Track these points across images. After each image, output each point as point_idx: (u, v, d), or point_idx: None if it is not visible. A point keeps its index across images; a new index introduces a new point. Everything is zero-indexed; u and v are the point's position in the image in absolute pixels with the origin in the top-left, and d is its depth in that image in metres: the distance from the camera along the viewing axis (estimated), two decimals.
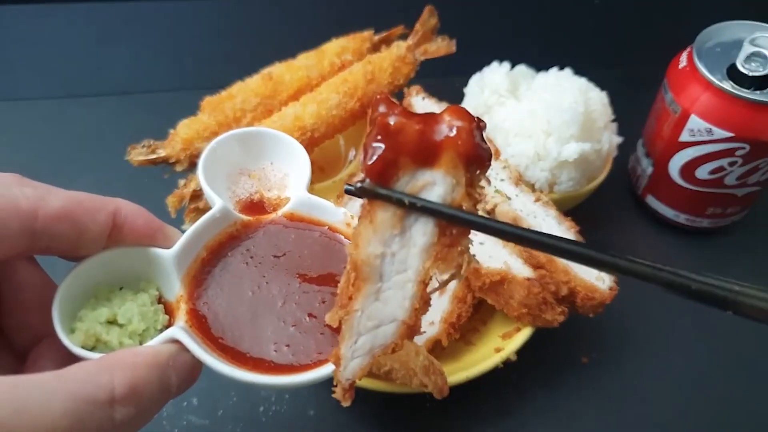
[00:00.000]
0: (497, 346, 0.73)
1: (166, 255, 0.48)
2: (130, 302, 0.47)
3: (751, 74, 0.79)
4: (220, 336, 0.47)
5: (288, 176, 0.58)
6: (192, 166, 0.86)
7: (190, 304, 0.48)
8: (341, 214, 0.53)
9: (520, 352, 0.72)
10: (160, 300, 0.49)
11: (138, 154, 0.84)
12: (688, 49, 0.85)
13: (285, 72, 0.92)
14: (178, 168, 0.86)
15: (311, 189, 0.93)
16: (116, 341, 0.45)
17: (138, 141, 0.85)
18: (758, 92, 0.78)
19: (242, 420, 0.76)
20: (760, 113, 0.78)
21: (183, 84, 1.17)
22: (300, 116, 0.86)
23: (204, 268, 0.50)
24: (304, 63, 0.94)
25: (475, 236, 0.73)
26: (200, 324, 0.47)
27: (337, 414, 0.77)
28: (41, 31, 1.27)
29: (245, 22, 1.33)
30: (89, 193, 0.46)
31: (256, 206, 0.56)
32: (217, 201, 0.52)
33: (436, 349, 0.74)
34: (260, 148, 0.58)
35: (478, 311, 0.79)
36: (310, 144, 0.87)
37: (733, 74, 0.80)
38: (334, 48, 0.96)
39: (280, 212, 0.55)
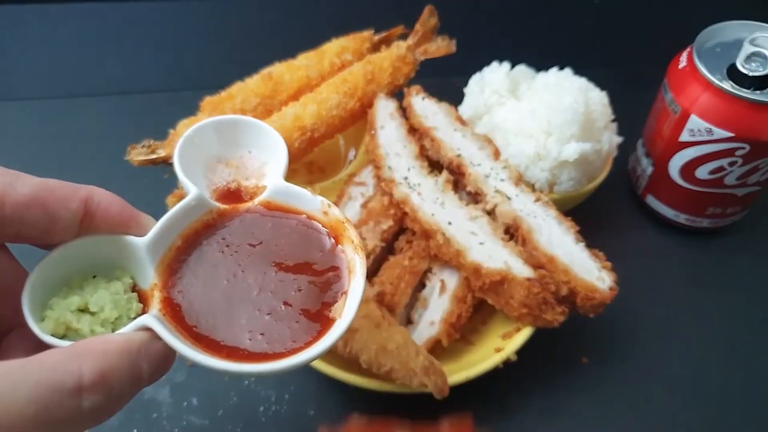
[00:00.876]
0: (497, 346, 0.73)
1: (140, 243, 0.48)
2: (102, 290, 0.46)
3: (751, 74, 0.79)
4: (195, 324, 0.46)
5: (266, 165, 0.57)
6: None
7: (165, 293, 0.47)
8: (318, 202, 0.53)
9: (521, 352, 0.72)
10: (134, 288, 0.48)
11: (138, 154, 0.84)
12: (688, 49, 0.85)
13: (285, 72, 0.92)
14: None
15: (312, 188, 0.94)
16: (87, 329, 0.45)
17: (138, 141, 0.85)
18: (758, 92, 0.78)
19: (242, 420, 0.76)
20: (760, 113, 0.78)
21: (183, 84, 1.17)
22: (300, 116, 0.86)
23: (179, 256, 0.49)
24: (304, 63, 0.94)
25: (475, 236, 0.74)
26: (174, 312, 0.46)
27: (336, 414, 0.77)
28: (41, 31, 1.27)
29: (245, 22, 1.33)
30: (60, 180, 0.45)
31: (233, 195, 0.55)
32: (192, 189, 0.51)
33: (436, 349, 0.74)
34: (238, 136, 0.57)
35: (478, 311, 0.80)
36: (310, 144, 0.87)
37: (733, 74, 0.80)
38: (334, 48, 0.96)
39: (256, 201, 0.54)
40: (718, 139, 0.81)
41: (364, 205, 0.84)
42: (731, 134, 0.79)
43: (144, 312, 0.46)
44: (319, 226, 0.53)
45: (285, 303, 0.48)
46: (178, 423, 0.75)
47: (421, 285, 0.79)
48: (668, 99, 0.86)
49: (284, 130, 0.84)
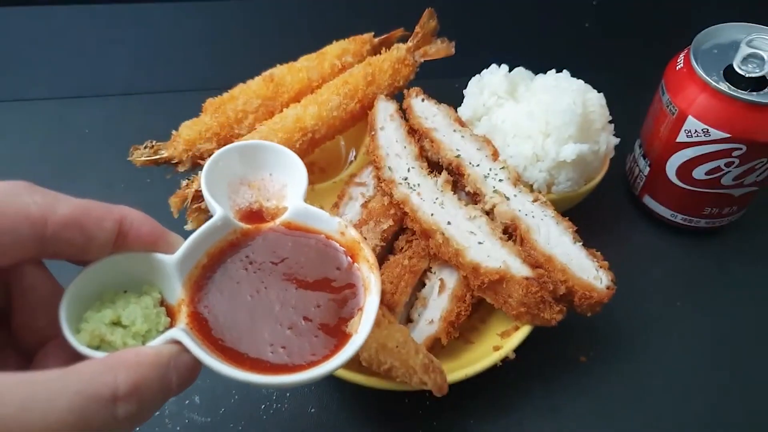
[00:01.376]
0: (496, 345, 0.73)
1: (169, 260, 0.50)
2: (133, 305, 0.49)
3: (747, 75, 0.79)
4: (220, 338, 0.49)
5: (286, 187, 0.61)
6: (194, 166, 0.87)
7: (192, 308, 0.50)
8: (336, 223, 0.56)
9: (519, 350, 0.72)
10: (162, 303, 0.51)
11: (140, 155, 0.85)
12: (686, 51, 0.86)
13: (286, 74, 0.93)
14: (181, 169, 0.87)
15: (312, 189, 0.95)
16: (120, 341, 0.47)
17: (140, 142, 0.86)
18: (755, 93, 0.79)
19: (243, 418, 0.76)
20: (756, 114, 0.79)
21: (185, 85, 1.18)
22: (301, 117, 0.87)
23: (205, 273, 0.53)
24: (305, 65, 0.94)
25: (474, 236, 0.75)
26: (201, 326, 0.49)
27: (337, 412, 0.77)
28: (44, 33, 1.28)
29: (247, 24, 1.33)
30: (96, 201, 0.48)
31: (255, 215, 0.58)
32: (218, 210, 0.55)
33: (436, 347, 0.75)
34: (260, 159, 0.61)
35: (477, 310, 0.80)
36: (311, 145, 0.88)
37: (730, 75, 0.81)
38: (335, 50, 0.97)
39: (278, 221, 0.57)
40: (715, 140, 0.81)
41: (364, 205, 0.85)
42: (728, 135, 0.80)
43: (172, 326, 0.49)
44: (337, 245, 0.56)
45: (305, 318, 0.51)
46: (180, 421, 0.76)
47: (421, 284, 0.79)
48: (665, 100, 0.86)
49: (285, 131, 0.85)
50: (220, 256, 0.54)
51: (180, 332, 0.47)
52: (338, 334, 0.50)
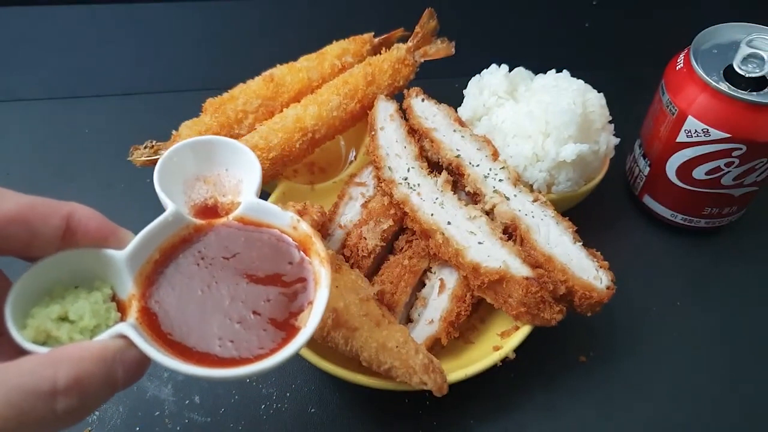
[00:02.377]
0: (496, 345, 0.73)
1: (119, 256, 0.51)
2: (82, 300, 0.49)
3: (747, 75, 0.79)
4: (169, 332, 0.50)
5: (242, 182, 0.61)
6: None
7: (142, 302, 0.51)
8: (288, 218, 0.57)
9: (519, 350, 0.72)
10: (114, 298, 0.51)
11: (141, 155, 0.85)
12: (686, 51, 0.86)
13: (286, 74, 0.93)
14: None
15: (312, 189, 0.95)
16: (66, 337, 0.47)
17: (140, 142, 0.86)
18: (755, 93, 0.79)
19: (243, 418, 0.76)
20: (756, 114, 0.79)
21: (185, 85, 1.18)
22: (301, 117, 0.87)
23: (157, 268, 0.53)
24: (305, 65, 0.94)
25: (474, 235, 0.75)
26: (150, 321, 0.50)
27: (337, 412, 0.77)
28: (44, 32, 1.28)
29: (247, 24, 1.34)
30: (43, 198, 0.48)
31: (210, 210, 0.59)
32: (170, 205, 0.55)
33: (436, 347, 0.75)
34: (216, 155, 0.61)
35: (477, 310, 0.80)
36: (311, 145, 0.88)
37: (730, 75, 0.81)
38: (335, 50, 0.97)
39: (231, 216, 0.58)
40: (715, 140, 0.81)
41: (364, 205, 0.85)
42: (728, 135, 0.80)
43: (122, 321, 0.49)
44: (290, 239, 0.57)
45: (254, 312, 0.51)
46: (180, 421, 0.76)
47: (421, 284, 0.79)
48: (665, 100, 0.86)
49: (285, 131, 0.85)
50: (172, 252, 0.55)
51: (127, 327, 0.47)
52: (287, 328, 0.51)
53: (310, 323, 0.50)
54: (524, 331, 0.73)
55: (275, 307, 0.52)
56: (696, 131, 0.82)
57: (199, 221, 0.57)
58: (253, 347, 0.49)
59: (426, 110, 0.89)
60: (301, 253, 0.56)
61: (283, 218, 0.57)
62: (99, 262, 0.51)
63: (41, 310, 0.48)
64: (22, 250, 0.47)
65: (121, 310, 0.51)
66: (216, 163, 0.61)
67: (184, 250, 0.55)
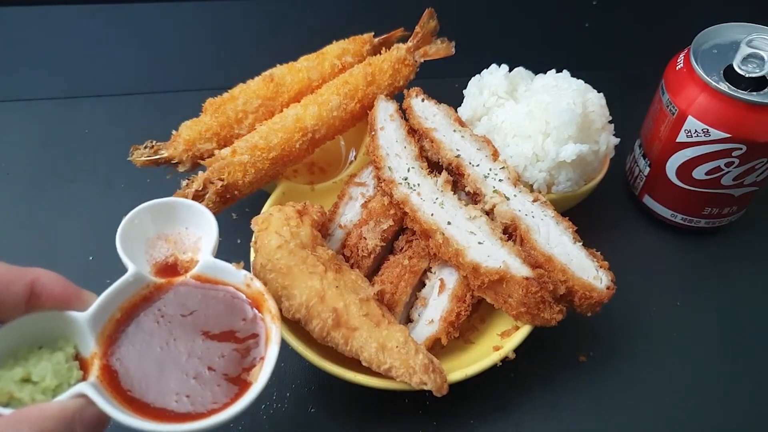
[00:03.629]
0: (496, 345, 0.73)
1: (81, 317, 0.55)
2: (45, 361, 0.52)
3: (747, 75, 0.80)
4: (129, 389, 0.53)
5: (201, 239, 0.65)
6: (194, 166, 0.87)
7: (104, 360, 0.55)
8: (242, 276, 0.61)
9: (519, 350, 0.72)
10: (76, 357, 0.55)
11: (141, 155, 0.85)
12: (685, 51, 0.86)
13: (286, 74, 0.93)
14: (181, 169, 0.87)
15: (312, 189, 0.95)
16: (29, 398, 0.50)
17: (141, 142, 0.86)
18: (755, 93, 0.79)
19: (243, 418, 0.76)
20: (756, 114, 0.79)
21: (185, 85, 1.18)
22: (301, 117, 0.87)
23: (118, 327, 0.57)
24: (305, 65, 0.94)
25: (474, 236, 0.75)
26: (111, 378, 0.54)
27: (337, 411, 0.78)
28: (45, 32, 1.28)
29: (247, 24, 1.34)
30: (7, 265, 0.52)
31: (170, 268, 0.63)
32: (130, 266, 0.59)
33: (436, 347, 0.75)
34: (176, 215, 0.66)
35: (477, 310, 0.80)
36: (311, 145, 0.88)
37: (730, 75, 0.81)
38: (335, 50, 0.97)
39: (189, 274, 0.62)
40: (715, 140, 0.81)
41: (364, 205, 0.85)
42: (728, 135, 0.80)
43: (84, 378, 0.53)
44: (243, 296, 0.61)
45: (209, 368, 0.55)
46: None
47: (421, 284, 0.79)
48: (665, 100, 0.86)
49: (285, 131, 0.85)
50: (134, 310, 0.58)
51: (87, 386, 0.51)
52: (240, 383, 0.55)
53: (260, 378, 0.54)
54: (524, 331, 0.73)
55: (229, 362, 0.56)
56: (696, 131, 0.82)
57: (159, 280, 0.61)
58: (207, 402, 0.53)
59: (426, 110, 0.89)
60: (254, 309, 0.60)
61: (237, 276, 0.61)
62: (62, 323, 0.55)
63: (5, 373, 0.51)
64: None
65: (84, 367, 0.54)
66: (177, 222, 0.65)
67: (145, 308, 0.59)
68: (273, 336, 0.57)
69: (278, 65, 0.95)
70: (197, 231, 0.65)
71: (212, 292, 0.61)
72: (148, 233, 0.64)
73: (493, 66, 0.97)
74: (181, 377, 0.54)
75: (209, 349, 0.56)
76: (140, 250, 0.63)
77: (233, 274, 0.61)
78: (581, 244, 0.77)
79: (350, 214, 0.85)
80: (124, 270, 0.87)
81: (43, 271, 0.54)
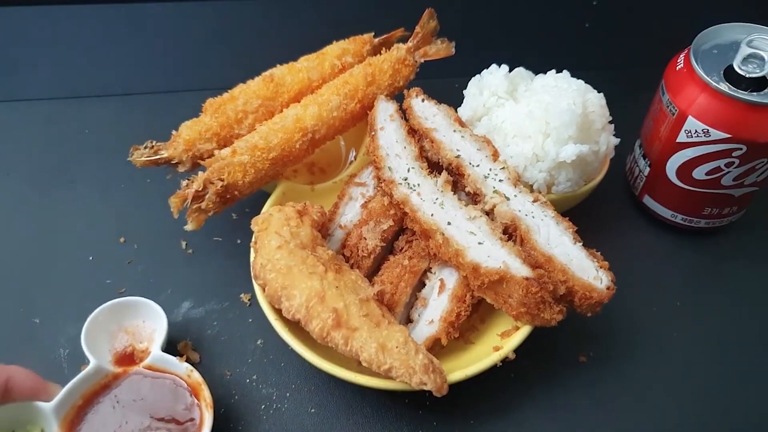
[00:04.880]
0: (496, 345, 0.73)
1: (47, 407, 0.68)
2: None
3: (748, 76, 0.79)
4: None
5: (155, 331, 0.78)
6: (194, 167, 0.87)
7: None
8: (184, 368, 0.73)
9: (519, 350, 0.72)
10: None
11: (141, 155, 0.85)
12: (686, 51, 0.86)
13: (286, 74, 0.93)
14: (181, 169, 0.87)
15: (312, 189, 0.95)
16: None
17: (140, 142, 0.86)
18: (755, 93, 0.79)
19: (243, 418, 0.77)
20: (756, 114, 0.79)
21: (185, 85, 1.18)
22: (301, 117, 0.87)
23: (79, 413, 0.70)
24: (305, 65, 0.94)
25: (474, 236, 0.75)
26: None
27: (337, 411, 0.78)
28: (45, 33, 1.28)
29: (247, 24, 1.34)
30: None
31: (128, 357, 0.77)
32: (92, 361, 0.73)
33: (436, 347, 0.75)
34: (135, 310, 0.80)
35: (477, 310, 0.80)
36: (311, 145, 0.88)
37: (730, 76, 0.81)
38: (335, 50, 0.97)
39: (142, 364, 0.75)
40: (715, 140, 0.81)
41: (364, 205, 0.85)
42: (728, 135, 0.80)
43: None
44: (185, 384, 0.73)
45: None
46: None
47: (421, 284, 0.79)
48: (665, 100, 0.86)
49: (285, 131, 0.85)
50: (94, 397, 0.71)
51: None
52: None
53: None
54: (524, 331, 0.73)
55: None
56: (696, 131, 0.82)
57: (116, 369, 0.74)
58: None
59: (426, 110, 0.89)
60: (193, 397, 0.72)
61: (180, 368, 0.73)
62: (31, 412, 0.68)
63: None
64: None
65: None
66: (135, 316, 0.80)
67: (103, 395, 0.72)
68: (206, 422, 0.69)
69: (278, 65, 0.95)
70: (152, 324, 0.79)
71: (159, 381, 0.74)
72: (111, 326, 0.78)
73: (493, 66, 0.97)
74: None
75: (156, 429, 0.70)
76: (104, 340, 0.77)
77: (177, 366, 0.74)
78: (581, 244, 0.77)
79: (350, 214, 0.85)
80: (124, 269, 0.88)
81: (16, 369, 0.66)
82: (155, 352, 0.75)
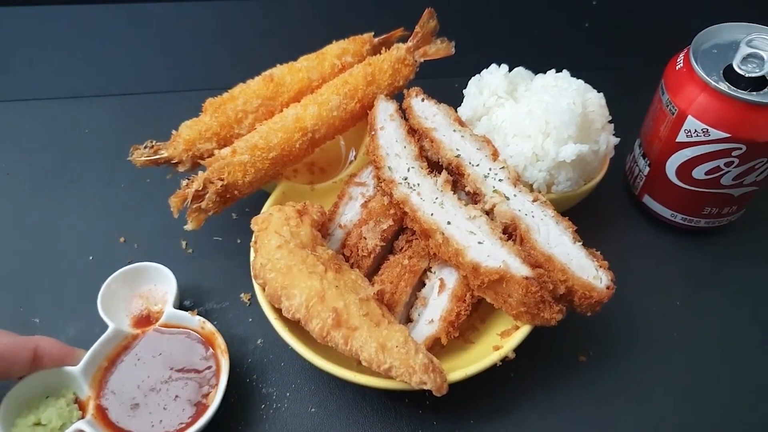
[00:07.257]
0: (496, 345, 0.73)
1: (76, 370, 0.73)
2: (51, 407, 0.71)
3: (747, 75, 0.79)
4: (117, 421, 0.71)
5: (167, 293, 0.83)
6: (194, 166, 0.87)
7: (97, 401, 0.73)
8: (197, 321, 0.78)
9: (519, 350, 0.72)
10: (76, 400, 0.73)
11: (141, 155, 0.85)
12: (685, 51, 0.86)
13: (286, 74, 0.93)
14: (181, 168, 0.87)
15: (312, 189, 0.95)
16: None
17: (141, 142, 0.86)
18: (754, 93, 0.79)
19: (243, 418, 0.77)
20: (756, 114, 0.79)
21: (185, 85, 1.18)
22: (301, 117, 0.87)
23: (106, 373, 0.75)
24: (305, 65, 0.95)
25: (474, 235, 0.75)
26: (103, 414, 0.72)
27: (337, 411, 0.78)
28: (45, 33, 1.28)
29: (247, 24, 1.34)
30: (15, 336, 0.71)
31: (144, 319, 0.82)
32: (111, 325, 0.77)
33: (436, 347, 0.75)
34: (146, 275, 0.84)
35: (477, 310, 0.80)
36: (311, 145, 0.88)
37: (730, 75, 0.81)
38: (335, 50, 0.97)
39: (157, 324, 0.80)
40: (715, 140, 0.81)
41: (364, 205, 0.85)
42: (728, 135, 0.80)
43: (83, 417, 0.71)
44: (199, 337, 0.78)
45: (176, 396, 0.73)
46: None
47: (421, 284, 0.79)
48: (665, 100, 0.86)
49: (285, 131, 0.85)
50: (117, 358, 0.76)
51: (84, 423, 0.69)
52: (199, 406, 0.72)
53: (214, 402, 0.71)
54: (524, 331, 0.73)
55: (191, 391, 0.73)
56: (696, 131, 0.83)
57: (134, 331, 0.79)
58: (176, 423, 0.71)
59: (426, 110, 0.89)
60: (208, 346, 0.77)
61: (193, 321, 0.79)
62: (62, 376, 0.73)
63: (21, 420, 0.70)
64: (3, 376, 0.69)
65: (82, 408, 0.72)
66: (147, 281, 0.84)
67: (125, 355, 0.77)
68: (223, 367, 0.74)
69: (278, 65, 0.95)
70: (163, 287, 0.84)
71: (174, 336, 0.78)
72: (125, 293, 0.83)
73: (493, 66, 0.97)
74: (155, 407, 0.72)
75: (175, 381, 0.74)
76: (121, 308, 0.82)
77: (190, 320, 0.79)
78: (581, 243, 0.77)
79: (350, 214, 0.85)
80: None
81: (42, 338, 0.72)
82: (169, 310, 0.80)
